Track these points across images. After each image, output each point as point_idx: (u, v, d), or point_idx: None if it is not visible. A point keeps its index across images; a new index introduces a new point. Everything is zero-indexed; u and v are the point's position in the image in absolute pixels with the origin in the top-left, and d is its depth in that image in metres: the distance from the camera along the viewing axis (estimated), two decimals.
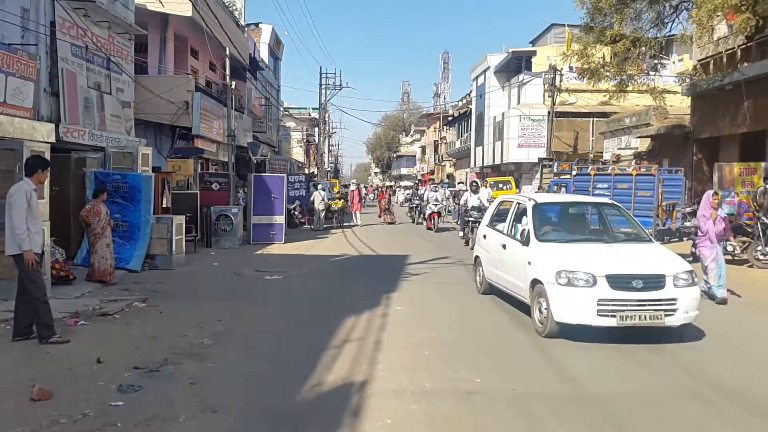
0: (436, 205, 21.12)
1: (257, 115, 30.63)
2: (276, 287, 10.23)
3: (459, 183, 28.79)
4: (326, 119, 50.12)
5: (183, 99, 18.04)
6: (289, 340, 6.65)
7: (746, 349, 6.45)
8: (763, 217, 12.63)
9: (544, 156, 30.50)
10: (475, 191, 16.35)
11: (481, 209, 14.95)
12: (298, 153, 50.33)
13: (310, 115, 54.81)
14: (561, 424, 4.34)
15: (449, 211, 26.42)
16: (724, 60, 16.94)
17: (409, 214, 28.17)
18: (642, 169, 13.96)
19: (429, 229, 20.88)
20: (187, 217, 13.64)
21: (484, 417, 4.45)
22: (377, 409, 4.54)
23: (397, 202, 40.46)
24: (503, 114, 36.15)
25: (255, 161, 26.69)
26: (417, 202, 25.49)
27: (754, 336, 7.08)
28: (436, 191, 22.24)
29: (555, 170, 16.90)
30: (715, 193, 9.20)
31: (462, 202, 17.69)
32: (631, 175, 13.62)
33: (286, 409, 4.60)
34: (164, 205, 13.62)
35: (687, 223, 13.51)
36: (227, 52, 19.80)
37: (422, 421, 4.35)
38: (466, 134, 49.01)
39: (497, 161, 36.88)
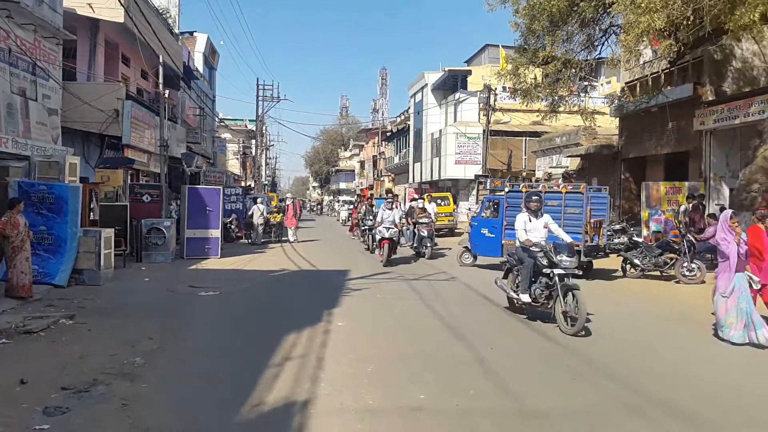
0: (388, 229, 15.69)
1: (191, 126, 29.89)
2: (211, 304, 9.89)
3: (413, 200, 22.51)
4: (263, 131, 49.45)
5: (113, 107, 17.41)
6: (226, 359, 6.41)
7: (682, 365, 6.69)
8: (688, 235, 13.27)
9: (480, 173, 31.14)
10: (390, 207, 16.18)
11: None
12: (234, 165, 49.36)
13: (246, 126, 53.97)
14: None
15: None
16: (650, 83, 17.82)
17: (361, 239, 22.14)
18: (570, 187, 14.42)
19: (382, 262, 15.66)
20: (117, 230, 13.08)
21: (433, 426, 4.40)
22: (321, 429, 4.42)
23: (338, 221, 38.48)
24: (441, 131, 36.76)
25: (189, 173, 25.98)
26: (370, 222, 19.20)
27: (687, 348, 7.36)
28: (391, 209, 16.27)
29: (488, 186, 17.21)
30: (734, 214, 7.92)
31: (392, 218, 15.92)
32: (561, 192, 14.06)
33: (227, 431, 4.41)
34: (92, 218, 12.99)
35: (616, 240, 14.06)
36: (160, 60, 19.23)
37: None
38: (404, 150, 49.49)
39: (435, 177, 37.38)
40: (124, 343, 6.75)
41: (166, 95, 19.94)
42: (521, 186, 14.83)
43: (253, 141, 48.57)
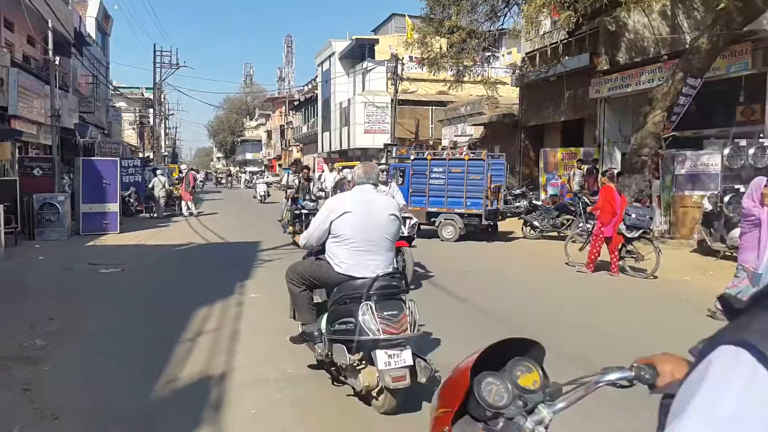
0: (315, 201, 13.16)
1: (84, 95, 28.03)
2: (114, 281, 9.45)
3: (342, 170, 20.00)
4: (162, 100, 47.15)
5: None
6: (134, 337, 6.16)
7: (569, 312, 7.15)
8: (582, 197, 14.09)
9: (389, 142, 31.39)
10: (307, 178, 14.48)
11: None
12: (131, 136, 46.87)
13: (143, 95, 51.20)
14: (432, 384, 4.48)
15: None
16: (549, 53, 18.53)
17: (290, 231, 13.39)
18: (472, 155, 15.00)
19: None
20: (6, 207, 12.14)
21: (350, 396, 4.46)
22: (240, 401, 4.37)
23: (255, 197, 32.24)
24: (349, 100, 36.57)
25: (83, 144, 24.40)
26: (311, 205, 12.96)
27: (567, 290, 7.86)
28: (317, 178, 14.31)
29: (394, 155, 17.38)
30: None
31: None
32: (463, 159, 14.58)
33: (139, 410, 4.25)
34: None
35: (517, 204, 14.90)
36: (49, 25, 17.77)
37: (288, 408, 4.26)
38: (312, 119, 48.90)
39: (344, 146, 37.29)
40: (21, 326, 6.33)
41: (57, 62, 18.48)
42: (426, 154, 15.16)
43: (151, 110, 46.19)
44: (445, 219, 14.60)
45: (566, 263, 10.58)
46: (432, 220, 14.81)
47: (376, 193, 4.61)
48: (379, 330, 3.93)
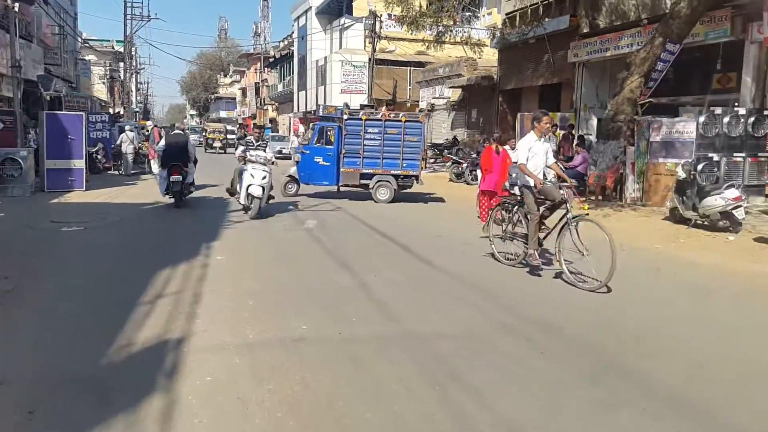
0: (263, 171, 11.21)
1: (49, 46, 26.87)
2: (76, 240, 9.14)
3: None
4: (133, 53, 45.71)
5: None
6: (92, 298, 5.94)
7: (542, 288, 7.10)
8: (558, 163, 13.99)
9: (366, 103, 30.92)
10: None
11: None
12: (100, 90, 45.45)
13: (114, 48, 49.53)
14: (386, 362, 4.38)
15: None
16: (529, 14, 18.20)
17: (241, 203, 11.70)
18: (398, 115, 14.90)
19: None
20: None
21: (312, 363, 4.34)
22: (196, 367, 4.21)
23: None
24: (326, 58, 35.83)
25: (48, 97, 23.50)
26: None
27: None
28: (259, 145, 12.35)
29: (321, 113, 16.62)
30: None
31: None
32: (400, 121, 14.43)
33: (90, 375, 4.08)
34: None
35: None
36: None
37: (246, 375, 4.11)
38: (288, 77, 47.93)
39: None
40: None
41: (16, 9, 17.60)
42: (361, 114, 14.91)
43: (122, 64, 44.77)
44: (380, 181, 14.55)
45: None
46: (363, 182, 14.73)
47: None
48: None
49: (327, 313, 5.57)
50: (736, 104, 12.48)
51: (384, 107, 15.88)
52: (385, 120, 14.48)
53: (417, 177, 14.77)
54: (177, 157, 12.31)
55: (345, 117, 14.66)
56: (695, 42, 13.64)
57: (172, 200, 12.46)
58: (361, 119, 14.48)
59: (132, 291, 6.02)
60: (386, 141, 14.52)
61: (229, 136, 39.33)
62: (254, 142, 13.94)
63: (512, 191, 8.14)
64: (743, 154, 11.99)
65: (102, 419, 3.46)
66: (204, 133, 42.13)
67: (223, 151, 37.31)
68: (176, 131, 14.33)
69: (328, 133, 14.87)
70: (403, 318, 5.48)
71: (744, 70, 13.03)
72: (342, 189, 15.35)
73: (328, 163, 14.75)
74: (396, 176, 14.59)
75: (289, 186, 15.04)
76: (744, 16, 12.81)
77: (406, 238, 9.50)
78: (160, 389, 3.85)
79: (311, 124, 16.86)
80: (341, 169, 14.69)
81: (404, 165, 14.58)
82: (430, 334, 5.09)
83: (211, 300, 5.84)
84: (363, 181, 14.77)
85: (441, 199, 15.89)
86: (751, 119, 11.92)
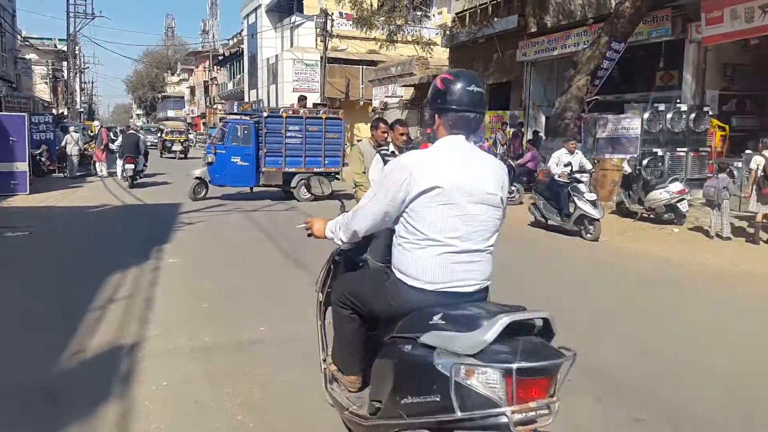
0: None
1: None
2: (21, 245, 8.82)
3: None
4: (76, 52, 44.22)
5: None
6: (39, 305, 5.72)
7: None
8: (508, 160, 14.28)
9: (319, 101, 30.77)
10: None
11: None
12: (43, 90, 43.78)
13: (56, 47, 47.80)
14: None
15: None
16: (478, 14, 18.45)
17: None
18: (319, 112, 15.04)
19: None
20: None
21: (269, 365, 4.30)
22: (152, 372, 4.12)
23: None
24: (277, 56, 35.45)
25: None
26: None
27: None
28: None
29: (236, 110, 16.26)
30: None
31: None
32: (321, 118, 14.51)
33: (40, 384, 3.94)
34: None
35: None
36: None
37: (201, 379, 4.05)
38: (239, 75, 47.24)
39: (272, 105, 36.21)
40: None
41: None
42: (281, 111, 14.88)
43: (65, 63, 43.27)
44: (302, 179, 14.20)
45: None
46: (286, 180, 14.52)
47: None
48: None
49: (285, 313, 5.54)
50: (678, 101, 12.96)
51: (296, 103, 15.50)
52: (306, 118, 14.39)
53: (338, 174, 14.73)
54: (131, 151, 17.05)
55: (265, 115, 14.39)
56: (639, 41, 14.09)
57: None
58: (281, 117, 14.29)
59: (82, 297, 5.84)
60: (308, 139, 14.39)
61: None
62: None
63: None
64: (686, 149, 12.47)
65: (55, 429, 3.35)
66: (160, 134, 37.23)
67: (183, 156, 32.46)
68: (131, 131, 19.46)
69: (245, 131, 14.28)
70: None
71: (685, 68, 13.55)
72: (256, 190, 14.90)
73: (246, 163, 14.08)
74: (319, 174, 14.04)
75: (198, 189, 14.01)
76: (683, 17, 13.30)
77: None
78: (116, 396, 3.75)
79: (220, 122, 16.46)
80: (263, 169, 14.22)
81: (326, 162, 14.57)
82: None
83: (164, 304, 5.72)
84: (285, 180, 14.44)
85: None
86: (692, 115, 12.40)
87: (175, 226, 10.37)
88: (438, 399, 2.05)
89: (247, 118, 15.10)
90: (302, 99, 15.73)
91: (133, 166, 16.68)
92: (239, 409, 3.62)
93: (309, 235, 2.87)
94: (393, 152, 5.71)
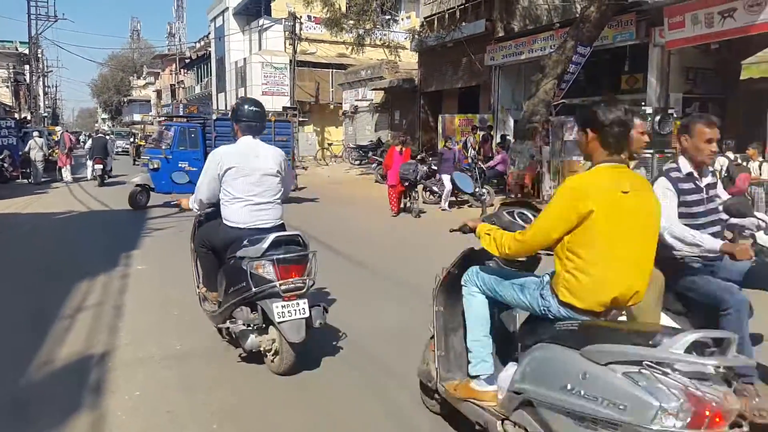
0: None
1: None
2: None
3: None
4: (39, 55, 43.23)
5: None
6: (4, 315, 5.58)
7: None
8: (479, 162, 14.42)
9: (289, 105, 30.62)
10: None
11: None
12: (4, 95, 42.64)
13: (17, 50, 46.61)
14: (323, 367, 4.37)
15: None
16: (446, 18, 18.61)
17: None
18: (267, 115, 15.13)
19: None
20: None
21: (245, 372, 4.26)
22: (123, 382, 4.05)
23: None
24: (245, 60, 35.21)
25: None
26: None
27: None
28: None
29: (181, 112, 15.65)
30: None
31: None
32: (270, 121, 14.48)
33: (8, 396, 3.85)
34: None
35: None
36: None
37: (174, 388, 3.99)
38: (206, 79, 46.75)
39: None
40: None
41: None
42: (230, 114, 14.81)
43: (27, 67, 42.23)
44: None
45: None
46: None
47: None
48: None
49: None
50: (643, 104, 13.25)
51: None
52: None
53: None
54: (100, 152, 18.76)
55: (214, 117, 14.14)
56: (604, 45, 14.38)
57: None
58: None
59: (49, 305, 5.72)
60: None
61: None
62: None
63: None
64: (651, 151, 12.74)
65: None
66: (133, 139, 35.47)
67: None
68: (99, 135, 21.57)
69: (192, 135, 13.69)
70: (338, 318, 5.47)
71: (649, 72, 13.87)
72: None
73: (194, 168, 12.98)
74: None
75: (140, 197, 13.16)
76: (647, 21, 13.62)
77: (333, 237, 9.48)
78: (87, 406, 3.69)
79: (163, 126, 15.45)
80: None
81: None
82: (364, 333, 5.01)
83: (134, 312, 5.64)
84: None
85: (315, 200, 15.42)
86: (657, 118, 12.68)
87: (143, 232, 10.21)
88: (244, 284, 3.98)
89: (186, 120, 14.68)
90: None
91: (102, 166, 18.41)
92: (214, 417, 3.59)
93: (179, 209, 4.90)
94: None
